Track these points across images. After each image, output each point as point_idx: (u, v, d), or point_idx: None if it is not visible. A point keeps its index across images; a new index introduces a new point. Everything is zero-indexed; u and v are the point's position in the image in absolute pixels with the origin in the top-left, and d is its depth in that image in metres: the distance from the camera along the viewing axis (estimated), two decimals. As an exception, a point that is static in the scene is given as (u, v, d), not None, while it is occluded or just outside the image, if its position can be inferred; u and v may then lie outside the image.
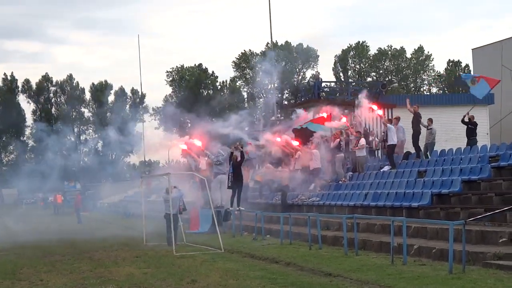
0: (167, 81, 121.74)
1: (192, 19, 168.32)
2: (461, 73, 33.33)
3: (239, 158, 32.44)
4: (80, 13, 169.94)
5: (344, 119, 36.14)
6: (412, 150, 32.30)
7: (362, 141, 33.45)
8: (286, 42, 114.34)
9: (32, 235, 34.50)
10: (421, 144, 32.05)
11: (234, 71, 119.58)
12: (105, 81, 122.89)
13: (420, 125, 32.07)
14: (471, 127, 30.57)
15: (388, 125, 32.07)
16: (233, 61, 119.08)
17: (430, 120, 31.80)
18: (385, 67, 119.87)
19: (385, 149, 33.00)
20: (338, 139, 34.34)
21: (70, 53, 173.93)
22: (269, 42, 68.39)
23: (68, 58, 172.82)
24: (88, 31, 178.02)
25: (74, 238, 32.36)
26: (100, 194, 65.15)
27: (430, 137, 31.46)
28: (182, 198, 29.45)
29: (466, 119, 31.17)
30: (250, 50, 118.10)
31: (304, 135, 35.79)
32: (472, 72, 75.74)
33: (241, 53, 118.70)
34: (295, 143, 35.61)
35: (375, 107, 35.72)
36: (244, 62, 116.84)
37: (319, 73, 58.69)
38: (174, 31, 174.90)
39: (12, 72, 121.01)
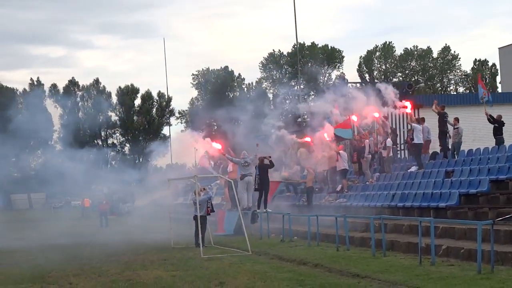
0: (192, 84, 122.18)
1: (216, 21, 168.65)
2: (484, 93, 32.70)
3: (266, 162, 32.51)
4: (102, 18, 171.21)
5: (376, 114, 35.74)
6: (439, 151, 32.19)
7: (389, 142, 33.39)
8: (312, 43, 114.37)
9: (59, 239, 34.69)
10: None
11: (261, 71, 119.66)
12: (132, 84, 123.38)
13: (447, 125, 31.94)
14: (497, 126, 30.34)
15: (413, 124, 32.00)
16: (261, 62, 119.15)
17: (457, 119, 31.61)
18: (411, 67, 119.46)
19: (411, 148, 32.82)
20: (367, 140, 34.39)
21: (94, 57, 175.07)
22: (295, 43, 68.32)
23: (92, 62, 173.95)
24: (111, 35, 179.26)
25: (101, 242, 32.49)
26: (127, 198, 65.28)
27: (457, 137, 31.27)
28: (210, 200, 29.55)
29: (489, 116, 30.93)
30: (279, 50, 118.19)
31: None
32: (499, 71, 75.41)
33: (269, 53, 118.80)
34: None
35: (408, 104, 35.28)
36: (272, 63, 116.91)
37: (344, 73, 58.60)
38: (199, 34, 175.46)
39: (38, 77, 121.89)
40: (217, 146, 34.66)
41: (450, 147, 31.75)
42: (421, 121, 32.60)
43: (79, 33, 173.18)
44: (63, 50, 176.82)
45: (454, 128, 31.46)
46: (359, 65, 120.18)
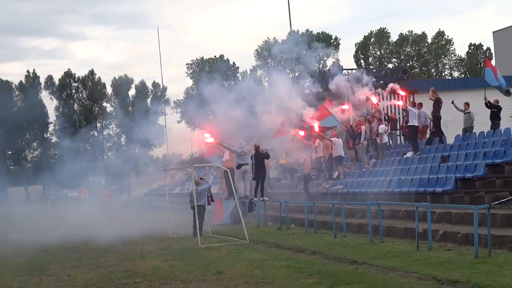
0: (187, 73, 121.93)
1: (210, 9, 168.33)
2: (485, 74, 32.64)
3: (262, 150, 32.55)
4: (94, 8, 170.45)
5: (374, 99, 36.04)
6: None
7: (381, 128, 33.48)
8: (307, 30, 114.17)
9: (59, 230, 34.65)
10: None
11: (256, 59, 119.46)
12: (125, 75, 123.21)
13: (457, 110, 32.06)
14: (494, 111, 30.33)
15: (408, 107, 32.03)
16: (256, 50, 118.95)
17: (467, 104, 31.52)
18: (406, 52, 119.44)
19: (406, 132, 32.82)
20: (362, 126, 34.43)
21: (88, 48, 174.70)
22: (290, 30, 68.20)
23: (86, 53, 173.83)
24: (104, 25, 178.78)
25: (99, 233, 32.50)
26: (124, 189, 65.33)
27: (469, 121, 31.23)
28: (209, 189, 29.56)
29: (487, 102, 30.94)
30: (274, 37, 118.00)
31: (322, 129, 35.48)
32: (494, 55, 75.37)
33: (263, 41, 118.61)
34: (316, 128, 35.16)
35: (402, 92, 35.73)
36: (266, 50, 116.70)
37: (339, 60, 58.58)
38: (193, 23, 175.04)
39: (34, 69, 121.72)
40: (210, 140, 34.58)
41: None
42: (418, 105, 32.55)
43: (71, 24, 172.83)
44: (56, 42, 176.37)
45: (465, 113, 31.44)
46: (356, 51, 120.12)
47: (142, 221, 37.14)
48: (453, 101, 32.27)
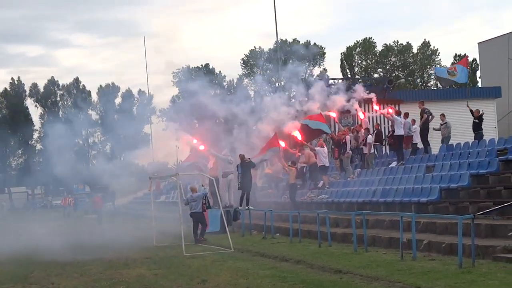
0: (173, 82, 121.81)
1: (196, 18, 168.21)
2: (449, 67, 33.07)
3: (247, 160, 32.60)
4: (80, 15, 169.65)
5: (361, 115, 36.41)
6: (420, 145, 32.38)
7: (370, 138, 33.48)
8: (294, 39, 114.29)
9: (44, 239, 34.50)
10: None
11: (242, 69, 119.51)
12: (112, 83, 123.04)
13: (429, 122, 32.22)
14: (476, 122, 30.59)
15: (394, 116, 32.14)
16: (242, 59, 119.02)
17: (443, 115, 31.84)
18: (391, 63, 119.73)
19: (391, 141, 32.94)
20: (347, 136, 34.45)
21: (74, 56, 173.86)
22: (276, 40, 68.19)
23: (72, 61, 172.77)
24: (90, 33, 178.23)
25: (85, 241, 32.38)
26: (108, 197, 65.14)
27: (446, 131, 31.48)
28: (206, 196, 29.50)
29: (472, 113, 31.14)
30: (260, 47, 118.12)
31: (310, 132, 35.56)
32: (479, 66, 75.76)
33: (250, 50, 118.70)
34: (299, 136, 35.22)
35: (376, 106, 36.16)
36: (253, 59, 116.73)
37: (326, 70, 58.76)
38: (179, 31, 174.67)
39: (19, 77, 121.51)
40: (201, 147, 34.70)
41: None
42: (404, 115, 32.63)
43: (57, 32, 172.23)
44: (41, 49, 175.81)
45: (441, 124, 31.64)
46: (342, 61, 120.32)
47: (126, 229, 37.06)
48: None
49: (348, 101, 35.84)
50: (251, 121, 36.16)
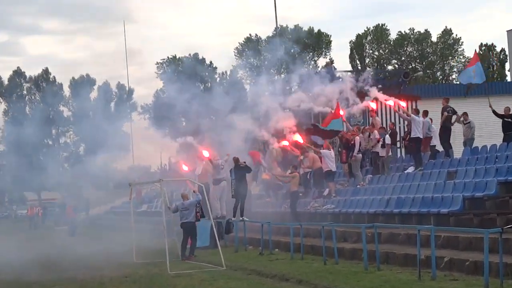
0: (157, 73, 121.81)
1: (183, 1, 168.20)
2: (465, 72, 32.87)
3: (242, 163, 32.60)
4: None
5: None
6: (440, 148, 32.35)
7: (387, 139, 33.15)
8: (296, 26, 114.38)
9: (6, 255, 34.46)
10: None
11: (237, 59, 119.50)
12: (87, 75, 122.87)
13: (454, 122, 32.15)
14: (507, 121, 30.44)
15: (412, 115, 31.87)
16: (236, 48, 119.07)
17: (466, 114, 31.79)
18: (407, 53, 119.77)
19: (407, 144, 32.85)
20: (357, 137, 34.23)
21: (43, 43, 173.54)
22: (276, 26, 68.25)
23: (40, 49, 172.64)
24: (61, 17, 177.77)
25: (54, 257, 32.33)
26: (82, 206, 65.18)
27: (469, 132, 31.42)
28: (199, 203, 29.34)
29: (497, 111, 31.07)
30: (256, 34, 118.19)
31: (323, 134, 35.41)
32: (508, 57, 75.85)
33: (246, 38, 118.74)
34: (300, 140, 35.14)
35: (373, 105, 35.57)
36: (249, 48, 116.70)
37: (332, 61, 58.71)
38: (164, 16, 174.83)
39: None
40: (206, 153, 34.72)
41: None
42: (423, 114, 32.38)
43: (23, 15, 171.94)
44: (5, 36, 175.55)
45: (464, 124, 31.62)
46: (351, 51, 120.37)
47: (102, 243, 37.05)
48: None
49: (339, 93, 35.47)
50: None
